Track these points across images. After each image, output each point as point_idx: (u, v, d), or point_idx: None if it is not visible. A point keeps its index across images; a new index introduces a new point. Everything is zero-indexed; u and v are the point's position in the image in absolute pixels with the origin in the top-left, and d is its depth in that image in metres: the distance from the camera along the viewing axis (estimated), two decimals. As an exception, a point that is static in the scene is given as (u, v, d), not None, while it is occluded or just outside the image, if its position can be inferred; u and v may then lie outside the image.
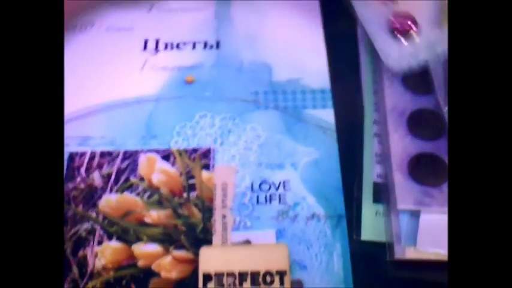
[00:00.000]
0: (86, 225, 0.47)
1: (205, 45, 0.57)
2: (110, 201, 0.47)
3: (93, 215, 0.47)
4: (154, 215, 0.47)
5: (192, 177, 0.48)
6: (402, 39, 0.50)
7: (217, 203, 0.47)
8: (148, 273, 0.45)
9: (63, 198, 0.46)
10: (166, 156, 0.49)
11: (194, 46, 0.57)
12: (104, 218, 0.47)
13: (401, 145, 0.47)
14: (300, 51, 0.56)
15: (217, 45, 0.57)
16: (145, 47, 0.57)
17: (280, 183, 0.48)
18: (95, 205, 0.47)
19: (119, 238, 0.46)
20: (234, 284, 0.42)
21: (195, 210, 0.47)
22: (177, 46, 0.57)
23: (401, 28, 0.51)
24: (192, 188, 0.48)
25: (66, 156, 0.50)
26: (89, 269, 0.45)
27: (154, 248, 0.45)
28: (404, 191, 0.45)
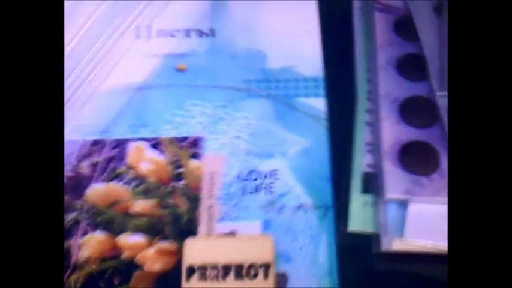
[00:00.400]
0: (72, 215, 0.46)
1: (200, 33, 0.56)
2: (98, 190, 0.47)
3: (80, 204, 0.46)
4: (140, 205, 0.46)
5: (181, 166, 0.48)
6: None
7: (205, 192, 0.46)
8: (132, 266, 0.44)
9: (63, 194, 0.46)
10: (156, 144, 0.49)
11: (188, 34, 0.56)
12: (91, 207, 0.46)
13: (393, 133, 0.46)
14: (294, 39, 0.55)
15: (212, 33, 0.56)
16: (137, 33, 0.56)
17: (268, 172, 0.47)
18: (82, 194, 0.46)
19: (104, 228, 0.45)
20: (218, 277, 0.42)
21: (182, 200, 0.46)
22: (171, 33, 0.56)
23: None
24: (179, 177, 0.47)
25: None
26: (72, 261, 0.44)
27: (138, 239, 0.45)
28: (394, 179, 0.44)
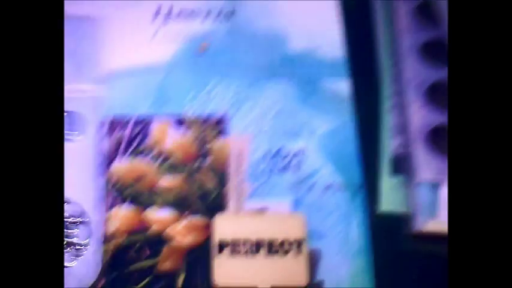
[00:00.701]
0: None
1: (220, 13, 0.55)
2: (123, 165, 0.46)
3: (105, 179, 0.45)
4: (167, 180, 0.45)
5: (206, 144, 0.47)
6: None
7: (232, 170, 0.46)
8: (160, 240, 0.44)
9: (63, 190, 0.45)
10: (180, 122, 0.48)
11: (209, 14, 0.55)
12: (116, 182, 0.45)
13: (421, 116, 0.46)
14: (316, 22, 0.55)
15: (232, 13, 0.55)
16: (158, 14, 0.56)
17: (296, 152, 0.47)
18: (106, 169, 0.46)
19: (131, 202, 0.45)
20: (249, 252, 0.41)
21: (210, 177, 0.46)
22: (191, 14, 0.56)
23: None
24: (206, 154, 0.47)
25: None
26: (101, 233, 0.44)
27: (167, 213, 0.44)
28: (425, 162, 0.44)
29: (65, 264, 0.42)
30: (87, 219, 0.43)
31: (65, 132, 0.46)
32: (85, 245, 0.43)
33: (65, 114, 0.47)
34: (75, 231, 0.43)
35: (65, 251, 0.42)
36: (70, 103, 0.47)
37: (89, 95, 0.48)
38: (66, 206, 0.44)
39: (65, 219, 0.43)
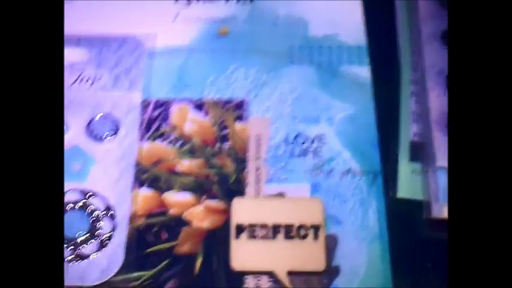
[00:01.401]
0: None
1: (240, -3, 0.56)
2: (142, 148, 0.46)
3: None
4: (186, 164, 0.46)
5: (225, 127, 0.47)
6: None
7: (251, 154, 0.46)
8: (179, 222, 0.44)
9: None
10: (199, 106, 0.49)
11: (228, -2, 0.56)
12: (136, 165, 0.45)
13: (440, 103, 0.46)
14: (336, 7, 0.55)
15: (252, -2, 0.56)
16: (179, -2, 0.56)
17: (315, 137, 0.47)
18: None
19: (149, 185, 0.45)
20: (267, 236, 0.42)
21: (228, 161, 0.46)
22: (211, -2, 0.56)
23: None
24: (224, 138, 0.47)
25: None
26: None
27: (186, 196, 0.45)
28: (444, 148, 0.44)
29: (90, 255, 0.42)
30: (113, 212, 0.44)
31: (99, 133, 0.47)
32: (109, 237, 0.43)
33: (100, 115, 0.47)
34: (100, 223, 0.43)
35: (89, 242, 0.43)
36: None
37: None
38: (92, 199, 0.44)
39: (91, 212, 0.44)
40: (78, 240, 0.43)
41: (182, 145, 0.47)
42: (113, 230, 0.44)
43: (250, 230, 0.42)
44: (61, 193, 0.36)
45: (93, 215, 0.44)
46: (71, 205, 0.44)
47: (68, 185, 0.45)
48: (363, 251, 0.43)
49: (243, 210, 0.43)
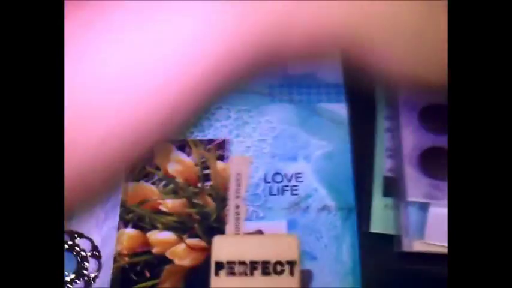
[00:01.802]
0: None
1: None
2: (127, 189, 0.48)
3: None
4: (169, 204, 0.48)
5: (207, 167, 0.49)
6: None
7: (232, 193, 0.48)
8: (162, 260, 0.46)
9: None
10: (182, 146, 0.50)
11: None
12: (121, 205, 0.47)
13: (413, 139, 0.48)
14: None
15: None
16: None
17: (292, 174, 0.49)
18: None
19: (134, 225, 0.47)
20: (245, 273, 0.43)
21: (210, 200, 0.48)
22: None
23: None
24: (207, 178, 0.49)
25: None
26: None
27: (168, 235, 0.46)
28: (414, 183, 0.46)
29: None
30: (98, 253, 0.46)
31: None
32: (95, 277, 0.45)
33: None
34: (87, 263, 0.45)
35: (76, 282, 0.44)
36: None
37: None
38: (79, 240, 0.46)
39: (77, 253, 0.46)
40: (66, 280, 0.45)
41: (166, 185, 0.49)
42: (99, 269, 0.45)
43: (229, 267, 0.44)
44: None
45: (80, 256, 0.46)
46: (58, 247, 0.46)
47: (55, 227, 0.46)
48: (336, 284, 0.44)
49: (222, 248, 0.45)
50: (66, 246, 0.46)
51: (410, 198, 0.45)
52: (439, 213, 0.45)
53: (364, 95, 0.53)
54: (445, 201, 0.45)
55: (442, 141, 0.47)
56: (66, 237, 0.46)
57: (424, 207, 0.45)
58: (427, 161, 0.47)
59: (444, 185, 0.45)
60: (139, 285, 0.45)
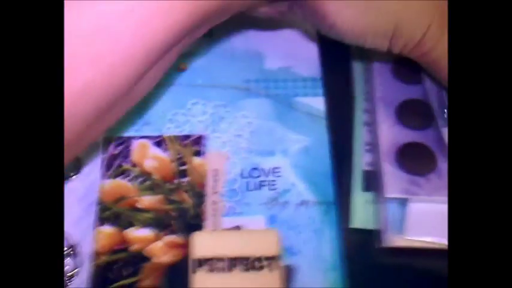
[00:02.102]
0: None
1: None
2: (104, 186, 0.48)
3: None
4: (146, 201, 0.47)
5: (184, 163, 0.49)
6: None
7: (209, 189, 0.48)
8: (140, 258, 0.45)
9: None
10: (159, 142, 0.50)
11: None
12: (97, 203, 0.47)
13: (390, 134, 0.48)
14: (291, 40, 0.56)
15: (210, 33, 0.57)
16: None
17: (270, 169, 0.48)
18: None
19: (112, 223, 0.46)
20: (224, 269, 0.43)
21: (187, 196, 0.47)
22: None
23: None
24: (183, 174, 0.48)
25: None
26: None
27: (146, 233, 0.46)
28: (392, 179, 0.45)
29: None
30: (76, 250, 0.45)
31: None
32: (73, 276, 0.44)
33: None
34: (65, 261, 0.45)
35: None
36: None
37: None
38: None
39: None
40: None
41: (143, 182, 0.49)
42: (76, 268, 0.45)
43: (209, 264, 0.44)
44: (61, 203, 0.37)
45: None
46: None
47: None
48: (318, 280, 0.44)
49: (201, 244, 0.44)
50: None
51: (389, 195, 0.45)
52: (418, 209, 0.45)
53: (341, 89, 0.53)
54: (423, 197, 0.45)
55: (420, 136, 0.47)
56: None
57: (403, 202, 0.45)
58: (405, 156, 0.47)
59: (422, 181, 0.45)
60: (118, 283, 0.44)
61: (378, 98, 0.50)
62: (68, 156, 0.40)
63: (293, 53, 0.55)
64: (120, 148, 0.50)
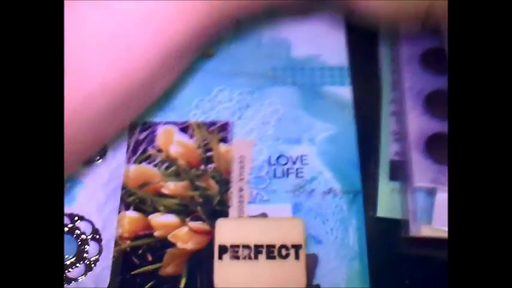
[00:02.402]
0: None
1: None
2: (129, 171, 0.47)
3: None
4: (171, 186, 0.47)
5: (210, 149, 0.48)
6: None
7: (235, 175, 0.47)
8: (165, 244, 0.45)
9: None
10: (184, 128, 0.50)
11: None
12: (122, 188, 0.47)
13: (418, 124, 0.47)
14: (319, 29, 0.56)
15: (237, 21, 0.56)
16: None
17: (297, 157, 0.48)
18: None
19: (136, 208, 0.46)
20: (250, 256, 0.43)
21: (212, 183, 0.47)
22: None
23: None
24: (209, 160, 0.48)
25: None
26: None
27: (171, 218, 0.46)
28: (421, 169, 0.45)
29: (77, 278, 0.43)
30: (99, 235, 0.45)
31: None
32: (96, 260, 0.44)
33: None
34: (87, 246, 0.44)
35: (76, 266, 0.44)
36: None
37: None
38: (79, 223, 0.45)
39: (78, 236, 0.45)
40: (66, 263, 0.44)
41: (168, 167, 0.48)
42: (99, 253, 0.45)
43: (233, 251, 0.43)
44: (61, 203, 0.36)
45: (80, 239, 0.45)
46: (59, 229, 0.45)
47: (55, 209, 0.46)
48: (342, 269, 0.44)
49: (226, 231, 0.44)
50: (66, 228, 0.45)
51: (417, 184, 0.45)
52: (446, 198, 0.44)
53: (368, 78, 0.53)
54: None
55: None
56: (66, 220, 0.45)
57: (430, 192, 0.45)
58: (433, 146, 0.46)
59: (451, 171, 0.44)
60: (140, 269, 0.44)
61: (405, 88, 0.49)
62: (87, 148, 0.42)
63: (320, 42, 0.55)
64: (145, 133, 0.49)
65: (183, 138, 0.49)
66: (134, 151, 0.49)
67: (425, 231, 0.44)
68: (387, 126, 0.50)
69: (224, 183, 0.47)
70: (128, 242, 0.45)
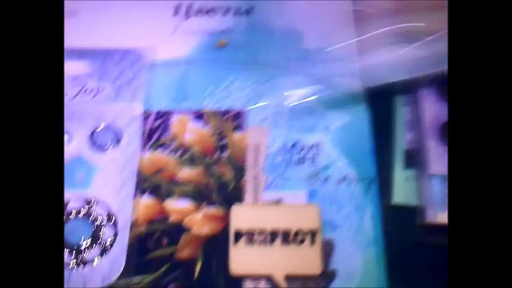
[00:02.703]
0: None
1: (237, 11, 0.57)
2: (143, 159, 0.47)
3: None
4: (186, 172, 0.47)
5: (224, 137, 0.48)
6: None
7: (249, 163, 0.47)
8: (179, 229, 0.45)
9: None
10: (199, 116, 0.50)
11: (227, 11, 0.57)
12: (137, 174, 0.47)
13: (433, 111, 0.47)
14: (330, 20, 0.56)
15: (249, 11, 0.57)
16: (176, 12, 0.57)
17: (312, 145, 0.48)
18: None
19: (151, 193, 0.46)
20: (264, 242, 0.43)
21: (227, 169, 0.47)
22: (209, 11, 0.57)
23: None
24: (223, 148, 0.48)
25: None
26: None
27: (185, 204, 0.46)
28: (437, 156, 0.45)
29: (92, 261, 0.43)
30: (115, 219, 0.45)
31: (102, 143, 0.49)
32: (111, 244, 0.44)
33: (103, 126, 0.48)
34: (103, 230, 0.44)
35: (91, 248, 0.44)
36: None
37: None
38: (95, 207, 0.45)
39: (93, 220, 0.45)
40: (82, 246, 0.44)
41: (182, 154, 0.48)
42: (115, 236, 0.45)
43: (249, 236, 0.43)
44: (61, 201, 0.36)
45: (96, 222, 0.45)
46: (75, 213, 0.45)
47: (71, 194, 0.46)
48: (358, 255, 0.44)
49: (241, 217, 0.44)
50: (82, 213, 0.45)
51: (433, 171, 0.45)
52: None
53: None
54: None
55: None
56: (82, 204, 0.45)
57: (446, 179, 0.45)
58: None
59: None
60: (156, 253, 0.44)
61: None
62: None
63: (331, 33, 0.55)
64: (160, 121, 0.50)
65: (198, 126, 0.49)
66: (149, 138, 0.49)
67: (441, 217, 0.44)
68: (401, 114, 0.50)
69: (239, 170, 0.47)
70: (143, 226, 0.45)
